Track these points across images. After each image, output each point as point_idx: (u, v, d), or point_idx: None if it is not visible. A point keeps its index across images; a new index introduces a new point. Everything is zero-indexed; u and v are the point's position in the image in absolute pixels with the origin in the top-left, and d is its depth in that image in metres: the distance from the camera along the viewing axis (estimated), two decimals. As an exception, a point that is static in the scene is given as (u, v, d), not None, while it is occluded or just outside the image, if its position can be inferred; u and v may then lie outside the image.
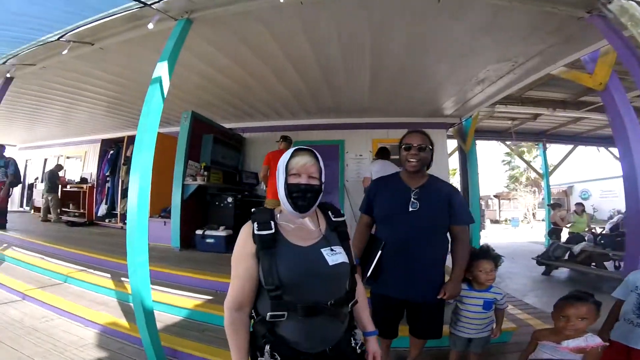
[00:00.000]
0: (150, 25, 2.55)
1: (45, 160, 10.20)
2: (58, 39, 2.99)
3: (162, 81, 2.35)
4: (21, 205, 10.76)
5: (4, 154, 6.24)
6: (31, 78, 4.30)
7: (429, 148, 1.79)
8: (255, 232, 1.05)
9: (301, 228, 1.14)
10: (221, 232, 4.83)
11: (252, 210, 1.14)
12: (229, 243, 4.80)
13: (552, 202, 9.17)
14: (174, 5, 2.53)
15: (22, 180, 6.80)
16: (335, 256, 1.08)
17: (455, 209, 1.78)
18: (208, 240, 4.80)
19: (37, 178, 10.00)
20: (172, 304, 3.00)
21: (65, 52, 3.07)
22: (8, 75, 3.76)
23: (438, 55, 3.64)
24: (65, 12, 2.64)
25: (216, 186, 5.69)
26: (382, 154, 4.69)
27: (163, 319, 2.82)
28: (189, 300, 3.04)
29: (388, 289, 1.81)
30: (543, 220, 21.46)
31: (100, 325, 2.72)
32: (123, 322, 2.72)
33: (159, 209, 5.76)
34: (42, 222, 7.81)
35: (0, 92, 3.85)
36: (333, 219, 1.21)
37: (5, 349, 2.36)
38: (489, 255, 1.96)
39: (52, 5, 2.56)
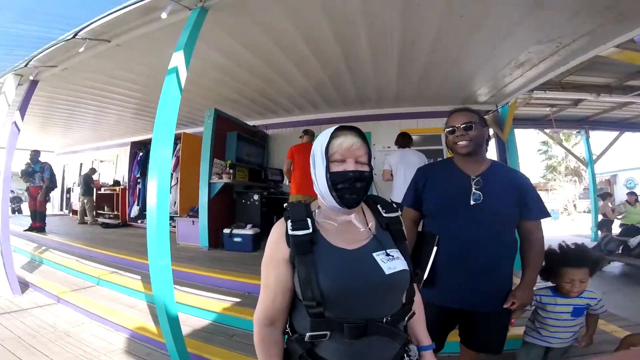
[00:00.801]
0: (164, 15, 2.42)
1: (81, 164, 10.63)
2: (74, 36, 2.93)
3: (179, 72, 2.21)
4: (61, 209, 11.34)
5: (39, 159, 6.47)
6: (56, 81, 4.33)
7: (479, 125, 1.46)
8: (290, 232, 0.84)
9: (346, 227, 0.92)
10: (248, 231, 4.72)
11: (285, 205, 0.93)
12: (256, 241, 4.74)
13: (599, 191, 8.41)
14: None
15: (57, 184, 7.03)
16: (392, 262, 0.85)
17: (528, 201, 1.45)
18: (235, 239, 4.72)
19: (74, 182, 10.44)
20: (201, 307, 2.89)
21: (82, 49, 3.03)
22: (31, 77, 3.76)
23: (475, 37, 3.28)
24: (79, 7, 2.58)
25: (242, 184, 5.66)
26: (402, 141, 4.18)
27: (191, 322, 2.73)
28: (217, 303, 2.92)
29: (443, 297, 1.49)
30: (585, 211, 20.24)
31: (129, 330, 2.66)
32: (151, 326, 2.64)
33: (188, 209, 5.82)
34: (79, 224, 8.14)
35: (27, 95, 3.87)
36: (384, 215, 0.97)
37: (37, 355, 2.33)
38: (583, 261, 1.55)
39: (64, 1, 2.48)
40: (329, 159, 0.89)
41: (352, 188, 0.87)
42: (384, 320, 0.81)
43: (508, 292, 1.48)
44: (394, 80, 4.68)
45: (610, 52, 3.26)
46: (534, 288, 1.54)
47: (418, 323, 1.00)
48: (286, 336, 0.89)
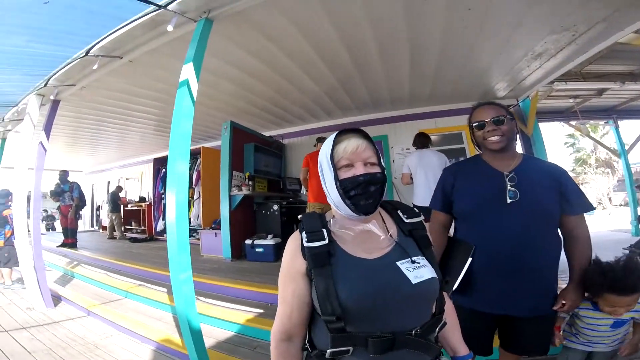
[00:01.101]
0: (170, 27, 2.47)
1: (108, 182, 11.06)
2: (86, 54, 3.03)
3: (190, 84, 2.23)
4: (91, 225, 11.81)
5: (68, 178, 6.77)
6: (78, 100, 4.47)
7: (509, 118, 1.38)
8: (305, 244, 0.81)
9: (365, 236, 0.86)
10: (269, 241, 4.74)
11: (299, 217, 0.90)
12: (277, 251, 4.72)
13: (637, 182, 7.85)
14: (190, 5, 2.41)
15: (86, 202, 7.33)
16: (419, 270, 0.79)
17: (569, 194, 1.34)
18: (257, 250, 4.74)
19: (103, 200, 10.88)
20: (224, 319, 2.90)
21: (95, 67, 3.11)
22: (52, 97, 3.90)
23: (485, 30, 3.18)
24: (85, 25, 2.68)
25: (262, 195, 5.69)
26: (420, 141, 4.04)
27: (215, 334, 2.74)
28: (240, 314, 2.93)
29: (481, 303, 1.39)
30: (622, 204, 19.09)
31: (155, 342, 2.69)
32: (176, 338, 2.66)
33: (211, 221, 5.93)
34: (108, 239, 8.43)
35: (50, 114, 4.00)
36: (406, 220, 0.91)
37: (67, 367, 2.40)
38: (634, 287, 1.29)
39: (72, 18, 2.58)
40: (335, 166, 0.84)
41: (366, 193, 0.82)
42: (413, 332, 0.76)
43: (553, 293, 1.38)
44: (407, 81, 4.61)
45: (630, 38, 3.12)
46: None
47: (452, 331, 0.93)
48: (305, 352, 0.85)
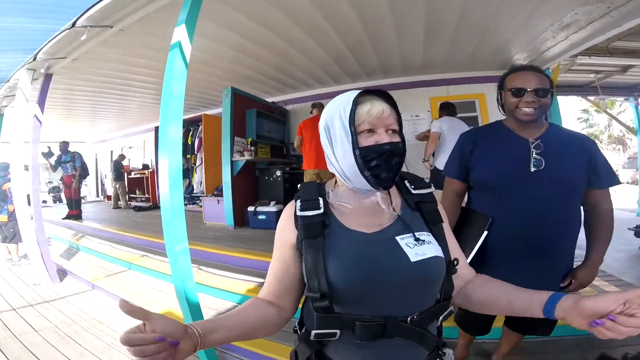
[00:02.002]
0: None
1: (112, 152, 11.01)
2: (73, 25, 2.83)
3: (182, 46, 2.03)
4: (97, 195, 11.90)
5: (69, 149, 6.65)
6: (71, 72, 4.31)
7: (551, 91, 1.21)
8: (298, 212, 0.73)
9: (365, 208, 0.74)
10: (272, 208, 4.67)
11: (299, 185, 0.81)
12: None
13: None
14: None
15: (89, 172, 7.27)
16: (420, 247, 0.67)
17: (598, 166, 1.21)
18: (260, 217, 4.68)
19: (107, 170, 10.88)
20: (225, 289, 2.85)
21: (84, 37, 2.94)
22: (43, 71, 3.75)
23: None
24: None
25: (264, 160, 5.58)
26: (448, 109, 3.89)
27: (215, 304, 2.70)
28: (241, 284, 2.89)
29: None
30: (629, 182, 18.82)
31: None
32: (178, 310, 2.59)
33: (213, 188, 5.87)
34: (113, 209, 8.47)
35: (43, 88, 3.87)
36: (414, 192, 0.79)
37: (70, 344, 2.37)
38: None
39: None
40: (355, 131, 0.69)
41: (388, 164, 0.70)
42: (409, 319, 0.65)
43: (566, 272, 1.28)
44: (421, 47, 4.29)
45: None
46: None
47: (512, 292, 0.73)
48: (296, 335, 0.78)
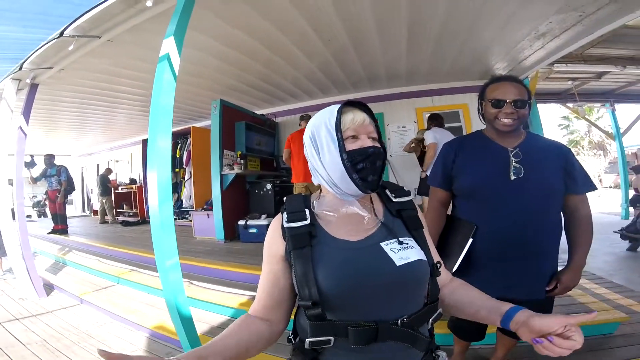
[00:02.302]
0: (149, 3, 2.27)
1: (98, 165, 10.81)
2: (60, 34, 2.83)
3: (171, 58, 2.06)
4: (83, 210, 11.64)
5: (54, 162, 6.54)
6: (57, 83, 4.27)
7: (528, 102, 1.27)
8: (285, 224, 0.76)
9: (350, 217, 0.78)
10: (263, 221, 4.66)
11: (285, 198, 0.85)
12: (271, 232, 4.66)
13: (630, 165, 7.78)
14: None
15: (75, 186, 7.13)
16: (404, 252, 0.71)
17: (574, 173, 1.28)
18: (251, 230, 4.66)
19: (94, 184, 10.71)
20: (217, 303, 2.83)
21: (71, 47, 2.93)
22: (29, 81, 3.71)
23: (490, 4, 3.02)
24: (57, 2, 2.47)
25: (254, 173, 5.57)
26: (438, 120, 4.03)
27: (208, 319, 2.68)
28: (234, 297, 2.87)
29: (481, 285, 1.28)
30: (612, 186, 19.43)
31: (149, 329, 2.62)
32: (169, 324, 2.55)
33: (203, 202, 5.83)
34: (100, 224, 8.31)
35: (29, 99, 3.83)
36: (394, 200, 0.83)
37: (60, 358, 2.32)
38: None
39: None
40: (342, 137, 0.75)
41: (373, 167, 0.75)
42: (399, 321, 0.67)
43: (552, 275, 1.32)
44: (404, 56, 4.42)
45: (638, 21, 3.02)
46: None
47: (471, 296, 0.81)
48: (290, 344, 0.78)
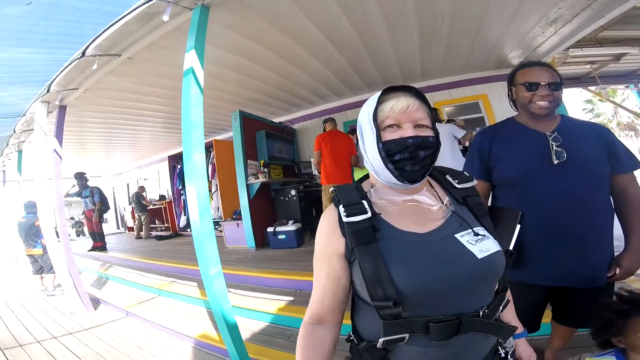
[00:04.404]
0: (165, 17, 2.35)
1: (128, 185, 11.30)
2: (82, 54, 2.94)
3: (195, 71, 2.13)
4: (117, 227, 12.15)
5: (88, 184, 6.91)
6: (84, 104, 4.40)
7: (562, 85, 1.25)
8: (344, 219, 0.69)
9: (412, 207, 0.75)
10: (291, 227, 4.73)
11: (331, 190, 0.79)
12: (299, 236, 4.76)
13: None
14: None
15: (109, 205, 7.46)
16: (482, 243, 0.68)
17: (619, 152, 1.23)
18: (280, 237, 4.74)
19: (130, 203, 11.17)
20: (256, 309, 2.90)
21: (95, 67, 3.04)
22: (57, 103, 3.83)
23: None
24: (76, 23, 2.56)
25: (278, 181, 5.65)
26: (436, 115, 3.97)
27: (249, 326, 2.74)
28: (271, 303, 2.92)
29: (532, 275, 1.27)
30: None
31: (192, 339, 2.71)
32: (212, 333, 2.68)
33: (231, 212, 5.95)
34: (136, 239, 8.65)
35: (59, 121, 3.96)
36: (458, 186, 0.80)
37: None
38: None
39: (60, 18, 2.46)
40: (379, 126, 0.73)
41: (414, 158, 0.70)
42: (480, 313, 0.66)
43: (610, 261, 1.25)
44: (418, 55, 4.42)
45: None
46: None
47: (507, 309, 0.83)
48: (350, 344, 0.77)
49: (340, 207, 0.72)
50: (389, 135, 0.72)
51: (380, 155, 0.71)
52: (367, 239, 0.67)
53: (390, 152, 0.71)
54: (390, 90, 0.75)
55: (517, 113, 1.42)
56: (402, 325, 0.63)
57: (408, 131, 0.71)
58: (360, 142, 0.79)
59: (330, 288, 0.73)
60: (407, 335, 0.64)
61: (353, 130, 4.64)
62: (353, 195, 0.74)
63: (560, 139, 1.24)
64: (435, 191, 0.79)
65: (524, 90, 1.29)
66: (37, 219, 4.78)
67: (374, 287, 0.64)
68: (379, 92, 0.75)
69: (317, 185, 6.08)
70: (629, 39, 5.06)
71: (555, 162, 1.21)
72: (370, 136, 0.73)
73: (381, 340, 0.64)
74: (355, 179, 0.93)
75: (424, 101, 0.76)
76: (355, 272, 0.70)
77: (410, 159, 0.70)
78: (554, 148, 1.23)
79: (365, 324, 0.73)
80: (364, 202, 0.72)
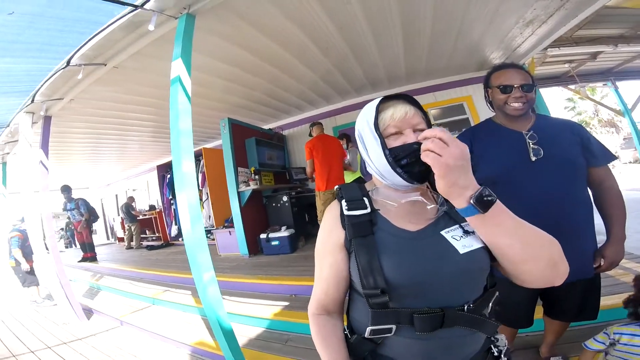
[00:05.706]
0: (151, 27, 2.35)
1: (116, 195, 11.16)
2: (67, 63, 2.90)
3: (182, 79, 2.14)
4: (107, 238, 11.98)
5: (72, 196, 6.80)
6: (69, 114, 4.33)
7: (534, 86, 1.32)
8: (345, 212, 0.76)
9: (410, 206, 0.80)
10: (283, 233, 4.75)
11: (335, 188, 0.85)
12: (293, 242, 4.77)
13: None
14: (168, 2, 2.30)
15: (97, 215, 7.34)
16: (467, 239, 0.72)
17: (592, 146, 1.30)
18: (273, 243, 4.76)
19: (119, 214, 11.01)
20: (252, 315, 2.90)
21: (80, 76, 3.01)
22: (42, 113, 3.76)
23: (474, 2, 3.14)
24: (60, 32, 2.53)
25: (269, 188, 5.65)
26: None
27: (245, 332, 2.73)
28: (266, 309, 2.93)
29: None
30: (631, 161, 18.96)
31: (190, 346, 2.70)
32: (209, 340, 2.67)
33: (223, 220, 5.93)
34: (126, 249, 8.56)
35: (44, 132, 3.88)
36: None
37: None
38: None
39: (44, 27, 2.43)
40: (381, 135, 0.76)
41: (420, 160, 0.72)
42: (465, 307, 0.68)
43: (593, 253, 1.32)
44: (402, 57, 4.50)
45: (617, 0, 3.11)
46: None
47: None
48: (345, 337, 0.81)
49: (343, 201, 0.79)
50: (393, 142, 0.77)
51: (388, 161, 0.75)
52: (364, 231, 0.73)
53: (397, 157, 0.75)
54: (386, 99, 0.81)
55: (494, 114, 1.49)
56: (389, 315, 0.67)
57: (410, 136, 0.76)
58: (361, 150, 0.83)
59: (334, 279, 0.78)
60: (394, 327, 0.68)
61: (342, 135, 4.67)
62: (355, 192, 0.81)
63: (536, 136, 1.31)
64: (430, 192, 0.84)
65: (498, 92, 1.36)
66: (13, 232, 4.82)
67: (366, 277, 0.68)
68: (375, 102, 0.80)
69: (309, 190, 6.13)
70: (603, 37, 5.24)
71: (533, 159, 1.28)
72: (375, 144, 0.77)
73: (369, 329, 0.68)
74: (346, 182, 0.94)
75: (419, 107, 0.81)
76: (352, 263, 0.75)
77: (417, 162, 0.73)
78: (531, 146, 1.29)
79: (358, 317, 0.78)
80: (365, 199, 0.79)
